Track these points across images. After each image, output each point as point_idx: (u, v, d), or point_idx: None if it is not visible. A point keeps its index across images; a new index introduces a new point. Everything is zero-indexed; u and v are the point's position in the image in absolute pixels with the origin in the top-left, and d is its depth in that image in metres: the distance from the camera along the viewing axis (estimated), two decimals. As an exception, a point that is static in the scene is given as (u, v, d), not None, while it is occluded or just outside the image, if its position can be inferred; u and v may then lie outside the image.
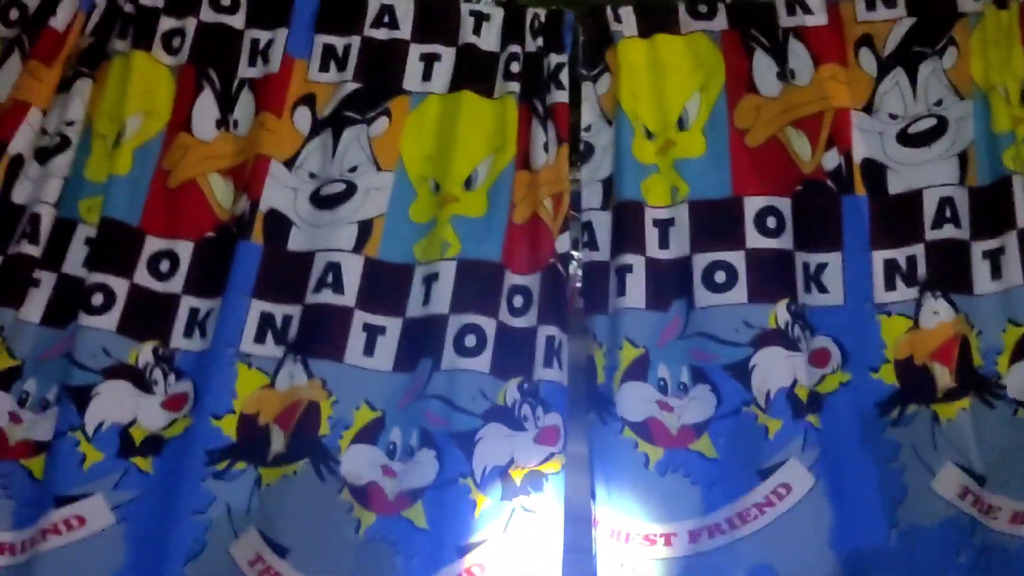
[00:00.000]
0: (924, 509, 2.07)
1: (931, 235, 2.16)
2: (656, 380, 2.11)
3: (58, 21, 2.23)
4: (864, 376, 2.11)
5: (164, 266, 2.12)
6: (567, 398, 2.10)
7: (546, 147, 2.18)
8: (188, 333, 2.09)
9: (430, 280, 2.12)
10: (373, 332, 2.09)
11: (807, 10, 2.28)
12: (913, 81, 2.23)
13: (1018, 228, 2.13)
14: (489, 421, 2.05)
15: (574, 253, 2.28)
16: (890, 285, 2.14)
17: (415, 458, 2.04)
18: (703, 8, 2.29)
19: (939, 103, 2.22)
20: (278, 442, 2.04)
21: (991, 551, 2.05)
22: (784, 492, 2.06)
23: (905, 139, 2.21)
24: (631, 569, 2.05)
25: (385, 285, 2.11)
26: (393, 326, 2.10)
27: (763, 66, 2.26)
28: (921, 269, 2.14)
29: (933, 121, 2.21)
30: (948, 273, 2.15)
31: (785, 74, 2.25)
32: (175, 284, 2.12)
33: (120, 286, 2.08)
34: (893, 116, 2.22)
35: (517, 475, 2.04)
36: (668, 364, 2.12)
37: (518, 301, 2.13)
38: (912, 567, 2.06)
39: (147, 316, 2.09)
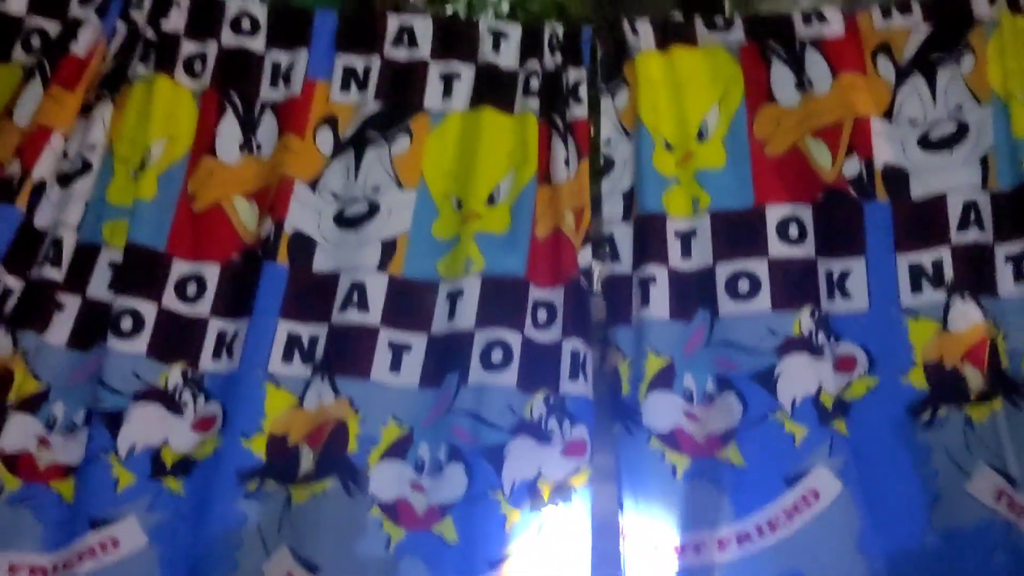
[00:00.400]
0: (960, 512, 2.06)
1: (956, 238, 2.16)
2: (682, 390, 2.12)
3: (79, 47, 2.25)
4: (893, 380, 2.12)
5: (191, 289, 2.15)
6: (593, 411, 2.11)
7: (567, 162, 2.20)
8: (216, 355, 2.12)
9: (455, 296, 2.14)
10: (398, 349, 2.10)
11: (824, 21, 2.28)
12: (932, 87, 2.24)
13: None
14: (517, 435, 2.06)
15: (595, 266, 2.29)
16: (916, 288, 2.15)
17: (444, 473, 2.06)
18: (720, 21, 2.31)
19: (959, 108, 2.23)
20: (307, 461, 2.05)
21: (1024, 554, 2.05)
22: (812, 498, 2.06)
23: (926, 144, 2.21)
24: (660, 579, 2.05)
25: (410, 302, 2.13)
26: (418, 343, 2.12)
27: (781, 77, 2.27)
28: (948, 272, 2.14)
29: (953, 126, 2.22)
30: (974, 276, 2.15)
31: (804, 84, 2.25)
32: (203, 307, 2.14)
33: (149, 310, 2.10)
34: (913, 122, 2.23)
35: (545, 488, 2.05)
36: (693, 373, 2.13)
37: (542, 315, 2.15)
38: (948, 570, 2.05)
39: (176, 339, 2.11)
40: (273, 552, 2.00)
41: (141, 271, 2.13)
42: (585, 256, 2.18)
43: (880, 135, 2.22)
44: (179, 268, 2.15)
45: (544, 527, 2.03)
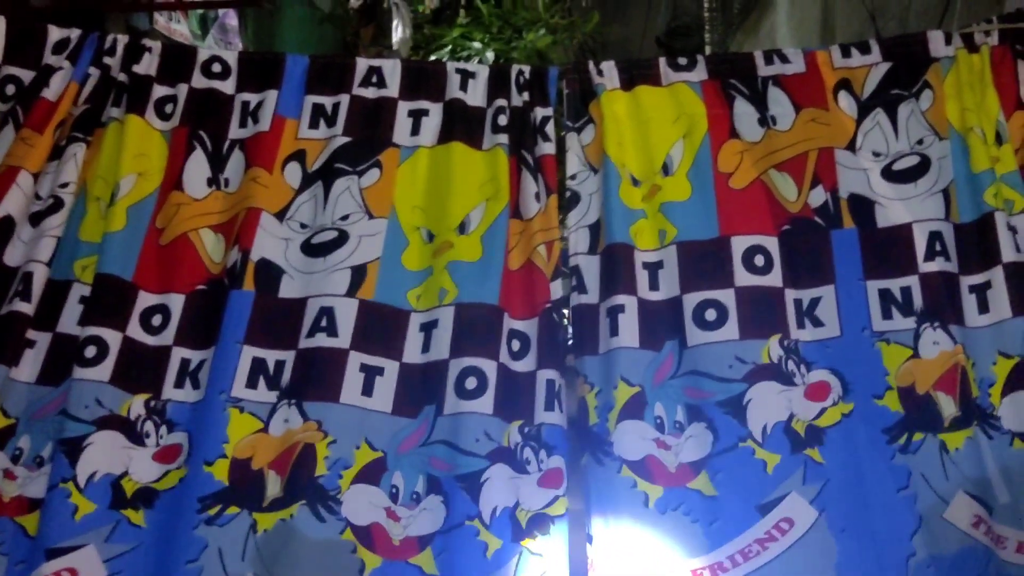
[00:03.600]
0: (940, 538, 2.04)
1: (924, 267, 2.17)
2: (652, 418, 2.10)
3: (51, 92, 2.29)
4: (868, 403, 2.11)
5: (156, 320, 2.13)
6: (567, 441, 2.09)
7: (537, 196, 2.22)
8: (179, 384, 2.09)
9: (429, 327, 2.13)
10: (371, 373, 2.08)
11: (784, 59, 2.35)
12: (893, 121, 2.28)
13: (1003, 263, 2.15)
14: (494, 462, 2.04)
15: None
16: (887, 314, 2.15)
17: (422, 504, 2.03)
18: (683, 61, 2.36)
19: (920, 142, 2.27)
20: (274, 487, 2.01)
21: (1004, 582, 2.01)
22: (786, 527, 2.02)
23: (890, 175, 2.25)
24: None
25: (381, 327, 2.12)
26: (391, 368, 2.10)
27: (744, 113, 2.31)
28: (917, 300, 2.15)
29: (917, 159, 2.25)
30: (943, 305, 2.15)
31: (766, 120, 2.30)
32: (166, 337, 2.13)
33: (113, 338, 2.09)
34: (877, 154, 2.26)
35: (523, 517, 2.02)
36: (663, 403, 2.11)
37: (516, 345, 2.14)
38: None
39: (139, 369, 2.09)
40: None
41: (108, 300, 2.11)
42: (556, 288, 2.18)
43: (844, 166, 2.25)
44: (144, 300, 2.14)
45: (523, 556, 1.99)
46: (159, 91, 2.31)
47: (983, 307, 2.15)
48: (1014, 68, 2.32)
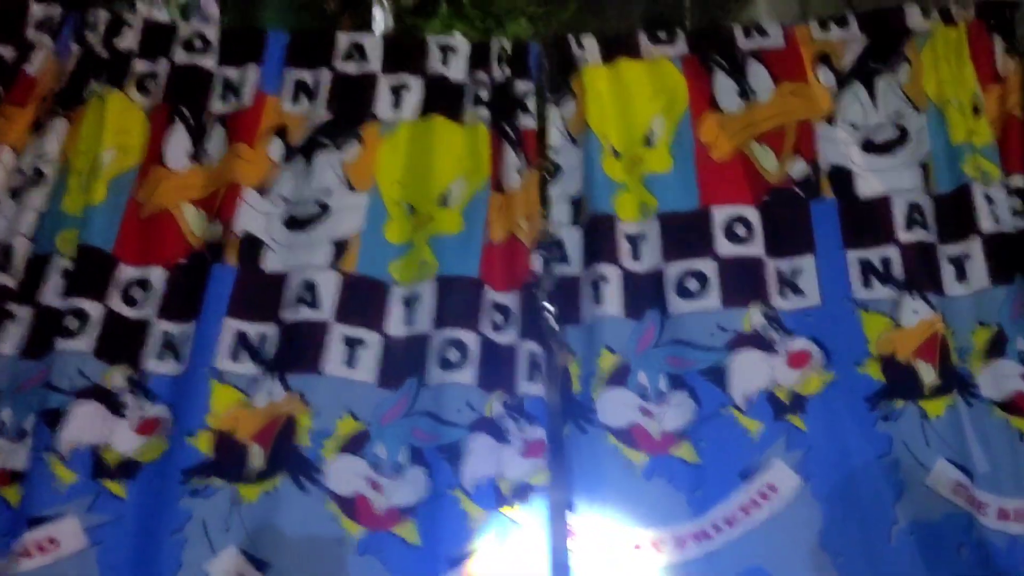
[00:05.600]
0: (922, 504, 2.04)
1: (903, 237, 2.19)
2: (636, 386, 2.11)
3: (33, 67, 2.30)
4: (850, 371, 2.12)
5: (137, 293, 2.13)
6: (548, 412, 2.09)
7: (518, 170, 2.23)
8: (161, 356, 2.08)
9: (412, 301, 2.14)
10: (354, 345, 2.08)
11: (764, 34, 2.36)
12: (872, 94, 2.30)
13: (980, 233, 2.17)
14: (476, 432, 2.04)
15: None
16: (867, 283, 2.17)
17: (405, 475, 2.02)
18: (663, 35, 2.37)
19: (898, 115, 2.29)
20: (257, 459, 2.01)
21: (986, 546, 2.02)
22: (770, 493, 2.03)
23: (869, 147, 2.27)
24: (619, 578, 2.01)
25: (363, 298, 2.12)
26: (373, 340, 2.10)
27: (724, 87, 2.33)
28: (897, 270, 2.17)
29: (894, 131, 2.28)
30: (922, 274, 2.17)
31: (746, 93, 2.31)
32: (148, 310, 2.12)
33: (95, 310, 2.08)
34: (855, 126, 2.28)
35: (505, 487, 2.02)
36: (646, 371, 2.12)
37: (498, 318, 2.14)
38: (916, 564, 2.02)
39: (120, 341, 2.08)
40: (220, 551, 1.93)
41: (89, 273, 2.11)
42: (537, 261, 2.18)
43: (824, 138, 2.27)
44: (125, 272, 2.14)
45: (505, 525, 1.99)
46: (140, 66, 2.31)
47: (961, 276, 2.18)
48: (990, 42, 2.34)
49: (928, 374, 2.11)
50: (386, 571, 1.97)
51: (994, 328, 2.14)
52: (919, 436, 2.07)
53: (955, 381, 2.11)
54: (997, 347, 2.13)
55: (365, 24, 3.15)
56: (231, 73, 2.31)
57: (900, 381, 2.11)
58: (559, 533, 2.04)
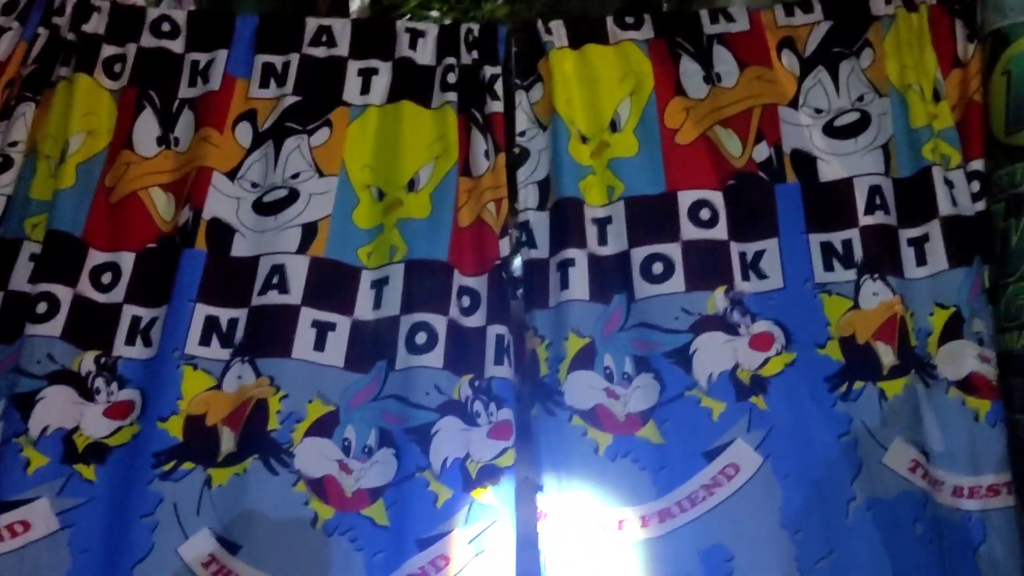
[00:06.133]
0: (879, 482, 2.09)
1: (864, 221, 2.22)
2: (602, 369, 2.14)
3: (0, 51, 2.28)
4: (810, 352, 2.15)
5: (106, 278, 2.14)
6: (516, 394, 2.13)
7: (487, 154, 2.24)
8: (131, 341, 2.10)
9: (380, 284, 2.16)
10: (323, 328, 2.10)
11: (729, 18, 2.38)
12: (835, 79, 2.33)
13: (940, 216, 2.21)
14: (445, 415, 2.07)
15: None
16: (828, 267, 2.20)
17: (374, 458, 2.05)
18: (630, 19, 2.38)
19: (861, 99, 2.31)
20: (228, 442, 2.03)
21: (940, 523, 2.08)
22: (732, 472, 2.07)
23: (831, 131, 2.29)
24: (584, 557, 2.04)
25: (332, 283, 2.14)
26: (343, 324, 2.12)
27: (690, 71, 2.35)
28: (858, 253, 2.20)
29: (857, 115, 2.30)
30: (883, 257, 2.20)
31: (711, 77, 2.33)
32: (117, 294, 2.13)
33: (64, 294, 2.09)
34: (819, 111, 2.31)
35: (473, 468, 2.05)
36: (612, 354, 2.15)
37: (466, 301, 2.16)
38: (872, 539, 2.07)
39: (89, 326, 2.10)
40: (191, 535, 1.96)
41: (58, 257, 2.12)
42: (504, 246, 2.21)
43: (787, 122, 2.29)
44: (94, 258, 2.15)
45: (474, 506, 2.03)
46: (108, 50, 2.31)
47: (921, 259, 2.21)
48: (952, 27, 2.37)
49: (887, 355, 2.15)
50: (355, 551, 2.00)
51: (952, 309, 2.17)
52: (877, 416, 2.12)
53: (913, 362, 2.15)
54: (954, 328, 2.17)
55: (342, 4, 3.14)
56: (199, 57, 2.31)
57: (859, 362, 2.15)
58: (527, 513, 2.08)
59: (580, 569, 2.05)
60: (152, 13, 2.37)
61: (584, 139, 2.29)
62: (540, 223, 2.25)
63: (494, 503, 2.04)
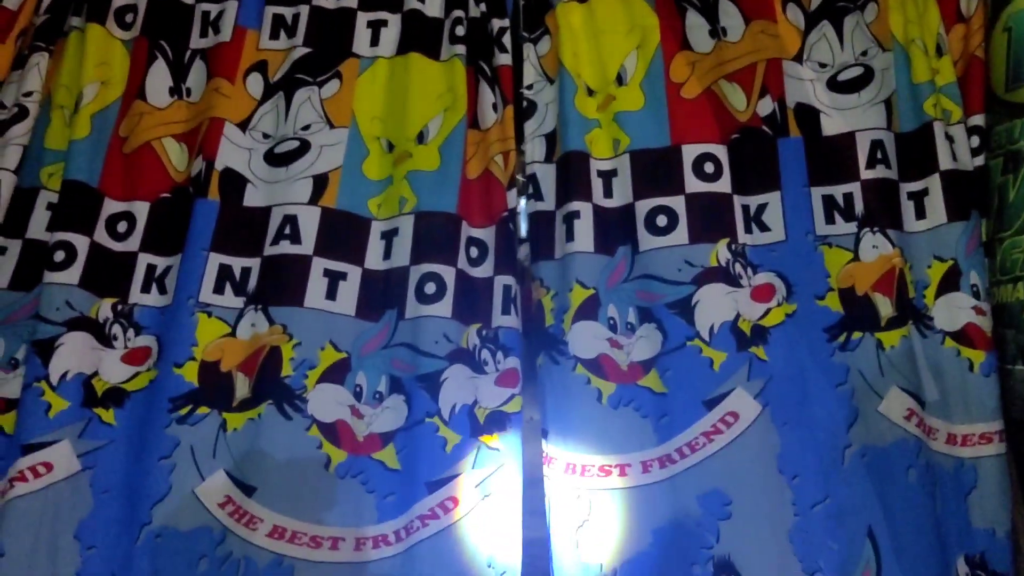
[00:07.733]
0: (875, 430, 2.14)
1: (865, 174, 2.25)
2: (606, 319, 2.18)
3: (11, 1, 2.31)
4: (810, 303, 2.20)
5: (122, 227, 2.19)
6: (522, 343, 2.18)
7: (495, 107, 2.27)
8: (146, 288, 2.16)
9: (390, 235, 2.20)
10: (334, 277, 2.15)
11: None
12: (839, 33, 2.35)
13: (940, 170, 2.24)
14: (453, 363, 2.12)
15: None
16: (829, 219, 2.24)
17: (385, 403, 2.11)
18: None
19: (864, 53, 2.34)
20: (242, 388, 2.09)
21: (933, 469, 2.13)
22: (732, 420, 2.13)
23: (835, 86, 2.32)
24: (587, 500, 2.10)
25: (343, 233, 2.18)
26: (353, 273, 2.17)
27: (696, 25, 2.37)
28: (858, 206, 2.23)
29: (860, 70, 2.32)
30: (883, 210, 2.24)
31: (717, 32, 2.36)
32: (132, 243, 2.18)
33: (81, 243, 2.14)
34: (823, 65, 2.33)
35: (481, 414, 2.11)
36: (616, 305, 2.19)
37: (474, 252, 2.21)
38: (866, 485, 2.12)
39: (106, 274, 2.15)
40: (207, 476, 2.03)
41: (75, 206, 2.16)
42: (511, 197, 2.25)
43: (791, 76, 2.32)
44: (110, 207, 2.20)
45: (481, 451, 2.09)
46: (119, 0, 2.34)
47: (920, 213, 2.25)
48: (955, -19, 2.39)
49: (885, 306, 2.20)
50: (367, 492, 2.06)
51: (950, 263, 2.21)
52: (874, 365, 2.17)
53: (911, 313, 2.20)
54: (951, 281, 2.21)
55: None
56: (210, 7, 2.34)
57: (858, 313, 2.20)
58: (533, 453, 2.14)
59: (583, 513, 2.11)
60: (162, -36, 2.38)
61: (590, 92, 2.32)
62: (547, 175, 2.29)
63: (501, 448, 2.10)
